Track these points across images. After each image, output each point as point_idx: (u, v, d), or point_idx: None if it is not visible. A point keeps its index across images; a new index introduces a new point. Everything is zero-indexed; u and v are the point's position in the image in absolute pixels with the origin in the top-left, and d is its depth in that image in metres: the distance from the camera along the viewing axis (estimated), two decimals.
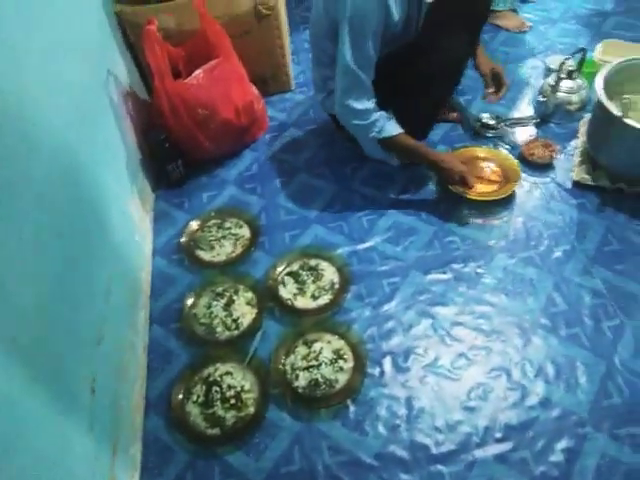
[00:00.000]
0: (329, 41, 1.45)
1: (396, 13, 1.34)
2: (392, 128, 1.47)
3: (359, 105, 1.43)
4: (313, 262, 1.47)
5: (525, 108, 1.84)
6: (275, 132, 1.89)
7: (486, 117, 1.77)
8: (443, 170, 1.50)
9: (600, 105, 1.46)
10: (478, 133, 1.77)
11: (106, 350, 1.08)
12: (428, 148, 1.56)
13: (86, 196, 1.14)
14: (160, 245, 1.57)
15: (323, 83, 1.61)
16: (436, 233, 1.51)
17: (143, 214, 1.56)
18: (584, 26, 2.21)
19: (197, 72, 1.58)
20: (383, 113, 1.47)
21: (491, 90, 1.62)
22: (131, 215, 1.44)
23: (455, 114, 1.82)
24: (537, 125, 1.76)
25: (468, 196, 1.54)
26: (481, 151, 1.67)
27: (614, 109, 1.42)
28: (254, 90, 1.80)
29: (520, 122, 1.76)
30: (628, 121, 1.38)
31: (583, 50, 1.74)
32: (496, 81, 1.62)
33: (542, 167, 1.63)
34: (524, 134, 1.74)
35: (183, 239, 1.56)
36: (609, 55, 1.86)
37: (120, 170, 1.43)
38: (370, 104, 1.44)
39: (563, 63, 1.73)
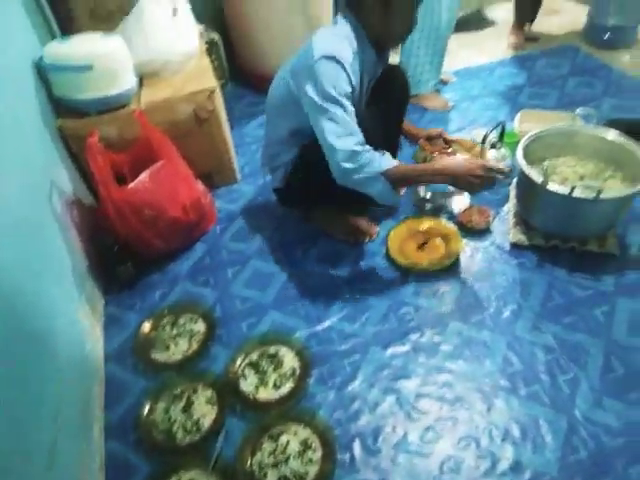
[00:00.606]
0: (287, 120, 1.55)
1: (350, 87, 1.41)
2: (389, 160, 1.44)
3: (350, 164, 1.38)
4: (272, 349, 1.46)
5: None
6: (225, 223, 1.93)
7: (423, 190, 1.88)
8: (458, 178, 1.40)
9: (523, 173, 1.58)
10: (418, 205, 1.87)
11: (58, 475, 1.01)
12: (423, 165, 1.53)
13: (30, 316, 1.11)
14: (112, 351, 1.53)
15: (270, 159, 1.69)
16: (390, 306, 1.54)
17: (93, 321, 1.53)
18: (502, 99, 2.43)
19: (142, 176, 1.62)
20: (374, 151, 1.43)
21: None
22: (81, 325, 1.41)
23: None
24: (471, 193, 1.88)
25: (416, 268, 1.60)
26: (421, 222, 1.76)
27: (535, 176, 1.54)
28: (200, 186, 1.86)
29: (455, 192, 1.87)
30: (549, 187, 1.49)
31: (502, 123, 1.91)
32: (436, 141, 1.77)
33: (480, 232, 1.72)
34: (460, 203, 1.84)
35: (136, 342, 1.53)
36: (527, 124, 2.05)
37: (67, 281, 1.41)
38: (359, 146, 1.38)
39: (486, 136, 1.89)
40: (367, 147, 1.39)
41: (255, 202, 2.01)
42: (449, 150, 1.81)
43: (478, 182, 1.39)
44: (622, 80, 2.46)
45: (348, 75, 1.38)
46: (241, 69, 2.75)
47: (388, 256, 1.67)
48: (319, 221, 1.81)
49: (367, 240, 1.75)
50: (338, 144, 1.37)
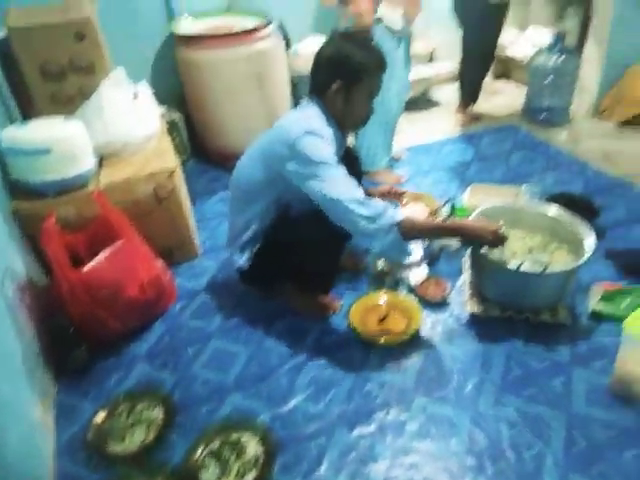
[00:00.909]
0: (255, 203, 1.60)
1: None
2: (401, 212, 1.45)
3: (366, 210, 1.39)
4: (234, 436, 1.40)
5: (416, 251, 2.02)
6: (185, 301, 1.90)
7: (382, 264, 1.92)
8: (472, 239, 1.49)
9: (471, 246, 1.66)
10: (377, 279, 1.90)
11: None
12: (438, 222, 1.56)
13: None
14: (64, 444, 1.42)
15: (235, 240, 1.69)
16: (355, 382, 1.53)
17: (44, 413, 1.43)
18: (452, 174, 2.57)
19: (99, 256, 1.60)
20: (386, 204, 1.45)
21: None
22: (30, 419, 1.32)
23: (355, 262, 1.96)
24: (428, 265, 1.94)
25: (378, 341, 1.61)
26: (382, 296, 1.79)
27: (484, 249, 1.61)
28: (160, 264, 1.84)
29: (412, 265, 1.92)
30: (491, 258, 1.57)
31: (452, 199, 2.02)
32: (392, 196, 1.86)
33: (438, 304, 1.76)
34: (418, 275, 1.89)
35: (89, 434, 1.43)
36: (477, 198, 2.16)
37: (14, 370, 1.33)
38: (369, 200, 1.41)
39: (437, 211, 1.98)
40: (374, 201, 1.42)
41: (216, 278, 2.00)
42: (403, 202, 1.94)
43: (487, 244, 1.49)
44: (559, 156, 2.67)
45: (330, 144, 1.46)
46: (202, 146, 2.82)
47: (351, 330, 1.68)
48: (282, 297, 1.81)
49: (331, 314, 1.75)
50: (345, 196, 1.38)
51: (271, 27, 2.59)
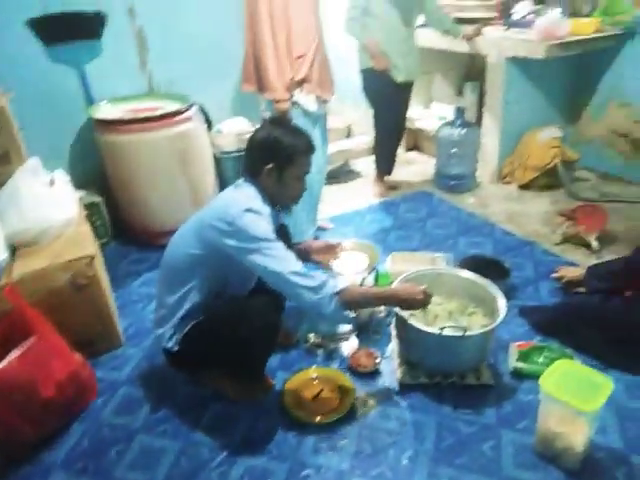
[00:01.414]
0: (186, 283, 1.59)
1: None
2: (342, 281, 1.55)
3: (309, 281, 1.46)
4: None
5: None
6: (107, 395, 1.78)
7: (313, 337, 1.94)
8: (405, 301, 1.59)
9: (397, 315, 1.72)
10: (309, 352, 1.91)
11: None
12: (375, 288, 1.65)
13: None
14: None
15: (163, 321, 1.64)
16: (290, 469, 1.48)
17: None
18: (374, 242, 2.66)
19: (10, 357, 1.48)
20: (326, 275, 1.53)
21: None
22: None
23: (286, 337, 1.96)
24: (358, 336, 1.97)
25: (313, 421, 1.59)
26: (314, 371, 1.79)
27: (405, 314, 1.68)
28: (78, 358, 1.73)
29: (343, 336, 1.95)
30: (414, 324, 1.63)
31: (375, 267, 2.10)
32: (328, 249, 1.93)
33: (370, 375, 1.79)
34: (349, 347, 1.91)
35: None
36: (397, 264, 2.26)
37: None
38: (310, 272, 1.49)
39: (362, 282, 2.05)
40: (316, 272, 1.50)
41: (141, 366, 1.91)
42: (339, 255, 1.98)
43: (419, 304, 1.59)
44: (470, 219, 2.87)
45: (269, 223, 1.53)
46: (125, 227, 2.76)
47: (285, 411, 1.65)
48: (212, 382, 1.75)
49: (262, 397, 1.72)
50: (287, 270, 1.46)
51: (192, 110, 2.67)
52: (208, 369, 1.73)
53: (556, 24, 2.73)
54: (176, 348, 1.63)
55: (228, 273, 1.62)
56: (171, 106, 2.61)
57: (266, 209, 1.57)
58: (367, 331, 2.00)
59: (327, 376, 1.76)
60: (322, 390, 1.71)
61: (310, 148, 1.65)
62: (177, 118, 2.56)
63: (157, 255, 1.71)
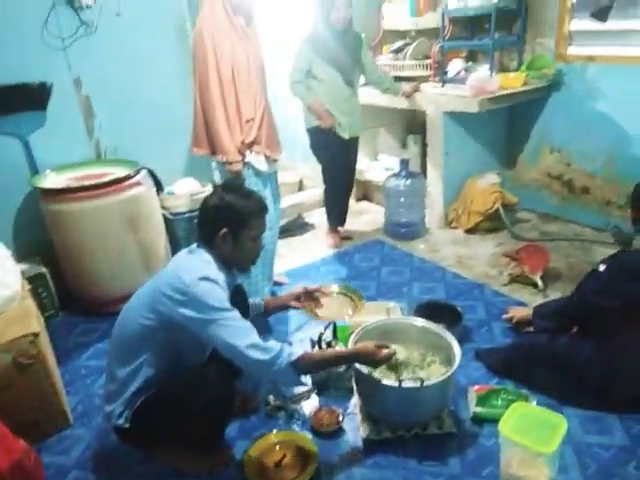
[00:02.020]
0: (139, 355, 1.53)
1: None
2: (297, 349, 1.53)
3: (264, 354, 1.44)
4: None
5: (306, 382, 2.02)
6: None
7: (273, 399, 1.89)
8: (366, 362, 1.63)
9: (356, 369, 1.71)
10: (270, 416, 1.86)
11: None
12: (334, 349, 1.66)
13: None
14: None
15: (114, 396, 1.57)
16: None
17: None
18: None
19: None
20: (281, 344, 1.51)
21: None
22: None
23: (244, 402, 1.90)
24: (319, 394, 1.94)
25: None
26: (276, 436, 1.74)
27: (364, 369, 1.68)
28: (22, 445, 1.61)
29: (303, 396, 1.92)
30: (373, 378, 1.63)
31: (333, 322, 2.10)
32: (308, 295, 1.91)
33: (333, 434, 1.75)
34: (310, 406, 1.88)
35: None
36: (356, 316, 2.26)
37: None
38: (265, 343, 1.47)
39: (321, 336, 2.04)
40: (271, 342, 1.48)
41: (92, 447, 1.80)
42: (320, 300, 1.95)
43: (379, 363, 1.63)
44: (422, 265, 2.95)
45: (223, 289, 1.51)
46: (74, 296, 2.67)
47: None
48: (169, 458, 1.67)
49: (223, 469, 1.65)
50: (242, 342, 1.43)
51: (141, 174, 2.67)
52: (163, 444, 1.65)
53: (486, 80, 2.94)
54: (127, 425, 1.55)
55: (182, 344, 1.57)
56: (119, 171, 2.60)
57: (221, 276, 1.55)
58: (328, 388, 1.97)
59: (289, 440, 1.72)
60: (285, 456, 1.65)
61: (263, 209, 1.67)
62: (126, 183, 2.55)
63: (107, 324, 1.66)
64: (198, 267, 1.52)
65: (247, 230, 1.61)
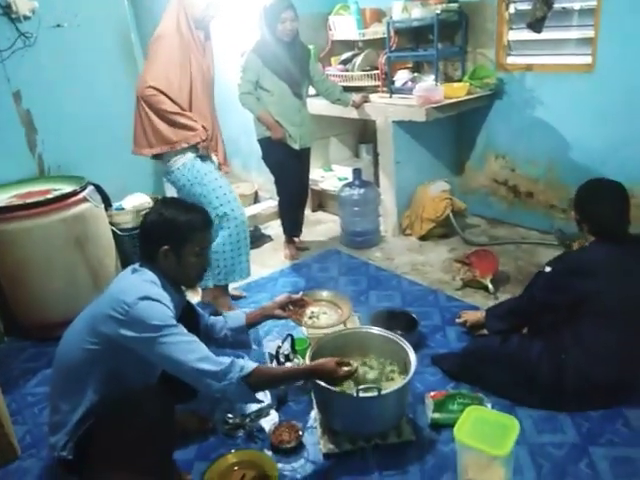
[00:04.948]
0: (82, 382, 1.47)
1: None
2: (250, 363, 1.49)
3: (214, 366, 1.41)
4: None
5: (264, 398, 1.99)
6: None
7: (231, 417, 1.86)
8: (322, 378, 1.59)
9: (314, 382, 1.70)
10: (229, 435, 1.82)
11: None
12: (287, 367, 1.63)
13: None
14: None
15: (58, 427, 1.50)
16: None
17: None
18: None
19: None
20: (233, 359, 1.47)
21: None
22: None
23: (200, 423, 1.86)
24: (277, 409, 1.92)
25: None
26: (234, 456, 1.70)
27: (323, 383, 1.66)
28: None
29: (262, 412, 1.89)
30: (331, 389, 1.63)
31: (290, 335, 2.09)
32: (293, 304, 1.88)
33: (294, 450, 1.74)
34: (269, 423, 1.86)
35: None
36: (314, 329, 2.26)
37: None
38: (216, 358, 1.44)
39: (279, 349, 2.03)
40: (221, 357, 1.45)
41: None
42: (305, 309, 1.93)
43: (336, 380, 1.60)
44: (379, 273, 2.98)
45: (167, 307, 1.46)
46: (19, 321, 2.54)
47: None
48: None
49: None
50: (189, 357, 1.40)
51: (88, 190, 2.59)
52: (113, 474, 1.58)
53: (432, 90, 3.02)
54: (70, 457, 1.49)
55: (127, 368, 1.51)
56: (64, 188, 2.51)
57: (164, 294, 1.50)
58: (286, 403, 1.96)
59: (248, 460, 1.68)
60: (244, 476, 1.62)
61: (207, 223, 1.63)
62: (71, 200, 2.47)
63: (56, 349, 1.57)
64: (139, 286, 1.47)
65: (189, 245, 1.56)
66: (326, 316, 2.07)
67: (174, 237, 1.54)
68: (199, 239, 1.59)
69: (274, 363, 2.03)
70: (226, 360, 1.44)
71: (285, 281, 2.98)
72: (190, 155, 2.33)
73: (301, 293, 1.96)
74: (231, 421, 1.85)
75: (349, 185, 3.32)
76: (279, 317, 1.88)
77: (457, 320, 2.32)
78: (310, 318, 1.90)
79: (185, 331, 1.46)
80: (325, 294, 2.19)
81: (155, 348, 1.41)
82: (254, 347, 2.20)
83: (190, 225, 1.56)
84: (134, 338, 1.41)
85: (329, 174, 3.94)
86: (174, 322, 1.45)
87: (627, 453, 1.65)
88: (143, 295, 1.43)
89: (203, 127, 2.31)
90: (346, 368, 1.61)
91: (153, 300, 1.44)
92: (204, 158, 2.38)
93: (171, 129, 2.26)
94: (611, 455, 1.65)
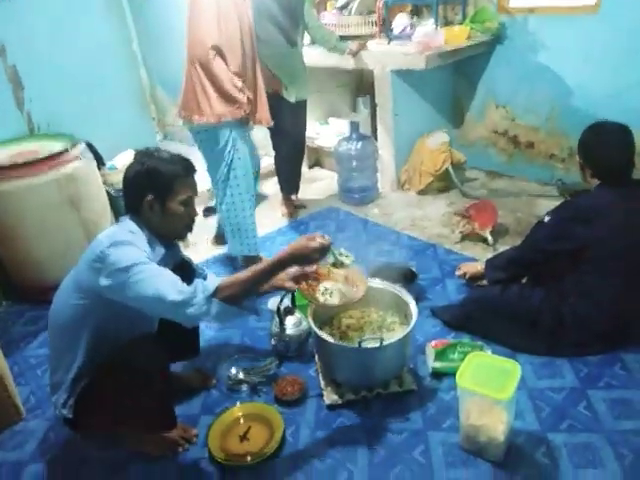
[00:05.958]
0: (76, 339, 1.46)
1: None
2: (214, 279, 1.44)
3: (178, 295, 1.35)
4: None
5: (266, 353, 2.00)
6: None
7: (234, 373, 1.87)
8: (300, 257, 1.47)
9: (316, 335, 1.71)
10: (233, 390, 1.84)
11: None
12: (257, 265, 1.48)
13: None
14: None
15: (58, 387, 1.51)
16: None
17: None
18: None
19: None
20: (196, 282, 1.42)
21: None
22: None
23: (204, 379, 1.88)
24: (280, 364, 1.93)
25: (242, 464, 1.52)
26: (239, 409, 1.72)
27: (326, 335, 1.68)
28: None
29: (265, 368, 1.90)
30: (338, 343, 1.64)
31: (291, 290, 2.07)
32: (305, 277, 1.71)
33: (297, 401, 1.76)
34: (272, 377, 1.87)
35: None
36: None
37: None
38: (181, 286, 1.37)
39: (279, 305, 2.02)
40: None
41: (48, 440, 1.73)
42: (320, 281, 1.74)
43: (316, 252, 1.47)
44: (376, 229, 2.95)
45: (140, 249, 1.41)
46: (16, 284, 2.52)
47: (212, 458, 1.56)
48: (127, 442, 1.63)
49: (187, 447, 1.62)
50: (159, 291, 1.34)
51: (79, 148, 2.52)
52: (117, 429, 1.60)
53: (432, 35, 2.91)
54: (70, 415, 1.49)
55: (118, 323, 1.48)
56: (55, 147, 2.44)
57: (140, 239, 1.45)
58: (289, 357, 1.97)
59: (253, 412, 1.71)
60: (250, 428, 1.65)
61: (189, 170, 1.56)
62: (62, 159, 2.40)
63: None
64: (113, 235, 1.43)
65: (174, 194, 1.50)
66: (340, 293, 1.76)
67: (157, 186, 1.48)
68: (183, 187, 1.53)
69: (275, 323, 2.01)
70: (190, 287, 1.39)
71: (283, 240, 2.95)
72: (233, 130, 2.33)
73: (314, 267, 1.74)
74: (235, 377, 1.86)
75: (346, 139, 3.24)
76: (289, 289, 1.73)
77: (456, 272, 2.31)
78: (323, 294, 1.71)
79: (155, 266, 1.41)
80: (343, 271, 1.78)
81: (127, 292, 1.36)
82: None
83: (173, 173, 1.50)
84: (109, 286, 1.37)
85: (326, 129, 3.84)
86: (145, 259, 1.40)
87: (625, 395, 1.68)
88: (113, 241, 1.39)
89: (248, 99, 2.30)
90: (319, 239, 1.48)
91: (122, 244, 1.39)
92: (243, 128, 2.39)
93: (221, 101, 2.26)
94: (609, 397, 1.67)
